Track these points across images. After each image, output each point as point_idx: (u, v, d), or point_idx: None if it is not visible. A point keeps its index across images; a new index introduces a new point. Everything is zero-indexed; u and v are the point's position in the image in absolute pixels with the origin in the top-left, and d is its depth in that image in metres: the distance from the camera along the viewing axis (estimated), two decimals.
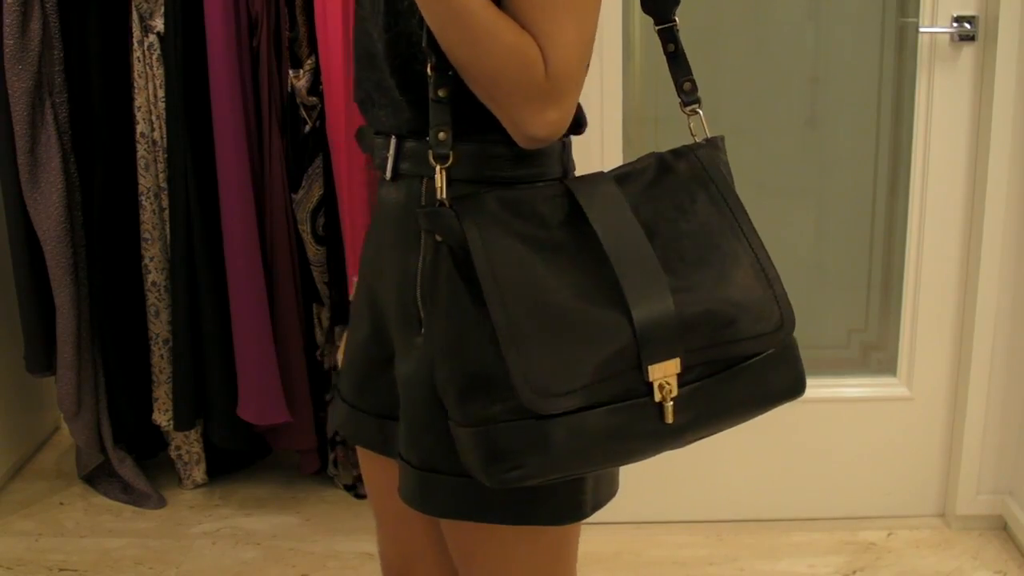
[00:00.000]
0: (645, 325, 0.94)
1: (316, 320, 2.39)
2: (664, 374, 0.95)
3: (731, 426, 1.03)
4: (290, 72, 2.25)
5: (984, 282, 2.17)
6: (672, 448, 1.01)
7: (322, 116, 2.25)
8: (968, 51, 2.12)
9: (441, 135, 0.98)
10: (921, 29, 2.12)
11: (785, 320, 1.02)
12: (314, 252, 2.33)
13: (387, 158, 1.08)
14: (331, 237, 2.33)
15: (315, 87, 2.24)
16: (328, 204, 2.31)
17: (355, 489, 2.49)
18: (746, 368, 1.00)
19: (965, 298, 2.22)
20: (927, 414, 2.30)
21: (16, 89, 2.18)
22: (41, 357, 2.38)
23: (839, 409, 2.31)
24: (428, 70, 0.97)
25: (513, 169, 1.02)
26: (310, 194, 2.30)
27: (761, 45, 2.27)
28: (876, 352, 2.36)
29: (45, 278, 2.30)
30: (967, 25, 2.10)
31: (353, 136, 2.30)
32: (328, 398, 2.43)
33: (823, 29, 2.28)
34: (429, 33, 0.95)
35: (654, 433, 0.97)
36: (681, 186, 1.03)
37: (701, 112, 1.10)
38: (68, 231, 2.27)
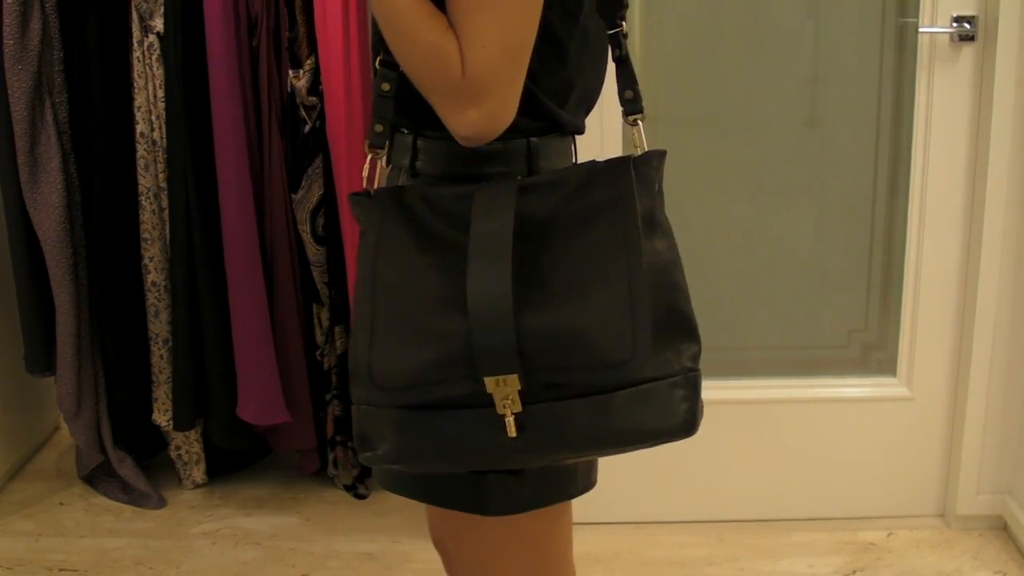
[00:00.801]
0: (479, 336, 0.92)
1: (316, 320, 2.39)
2: (504, 388, 0.93)
3: (601, 453, 1.00)
4: (290, 72, 2.25)
5: (984, 282, 2.17)
6: (532, 464, 1.00)
7: (322, 116, 2.25)
8: (968, 51, 2.12)
9: (378, 127, 1.03)
10: (921, 29, 2.12)
11: (636, 358, 0.93)
12: (314, 252, 2.34)
13: (386, 147, 1.11)
14: (331, 237, 2.33)
15: (315, 87, 2.24)
16: (328, 204, 2.31)
17: (355, 489, 2.49)
18: (605, 398, 0.95)
19: (965, 298, 2.22)
20: (927, 414, 2.30)
21: (16, 89, 2.18)
22: (41, 357, 2.38)
23: (839, 409, 2.31)
24: (376, 64, 1.01)
25: (476, 166, 1.03)
26: (310, 194, 2.30)
27: (761, 45, 2.27)
28: (876, 352, 2.36)
29: (45, 278, 2.30)
30: (967, 25, 2.10)
31: (353, 136, 2.32)
32: (328, 398, 2.43)
33: (823, 29, 2.28)
34: (377, 29, 0.99)
35: (499, 444, 0.95)
36: (592, 201, 0.99)
37: (642, 124, 1.08)
38: (68, 231, 2.27)
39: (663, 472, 2.33)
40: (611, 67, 1.14)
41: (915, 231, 2.22)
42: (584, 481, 1.13)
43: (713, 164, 2.29)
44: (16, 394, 2.64)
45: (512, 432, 0.94)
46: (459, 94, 0.94)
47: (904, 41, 2.21)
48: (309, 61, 2.24)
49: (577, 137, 1.15)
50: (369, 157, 1.03)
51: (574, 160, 1.12)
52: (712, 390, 2.29)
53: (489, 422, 0.95)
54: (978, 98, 2.13)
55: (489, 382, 0.93)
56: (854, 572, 2.17)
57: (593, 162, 1.03)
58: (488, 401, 0.94)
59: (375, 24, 1.05)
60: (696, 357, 1.00)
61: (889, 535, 2.29)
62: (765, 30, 2.27)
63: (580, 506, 2.45)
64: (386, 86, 1.01)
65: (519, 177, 1.02)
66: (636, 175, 0.99)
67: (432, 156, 1.04)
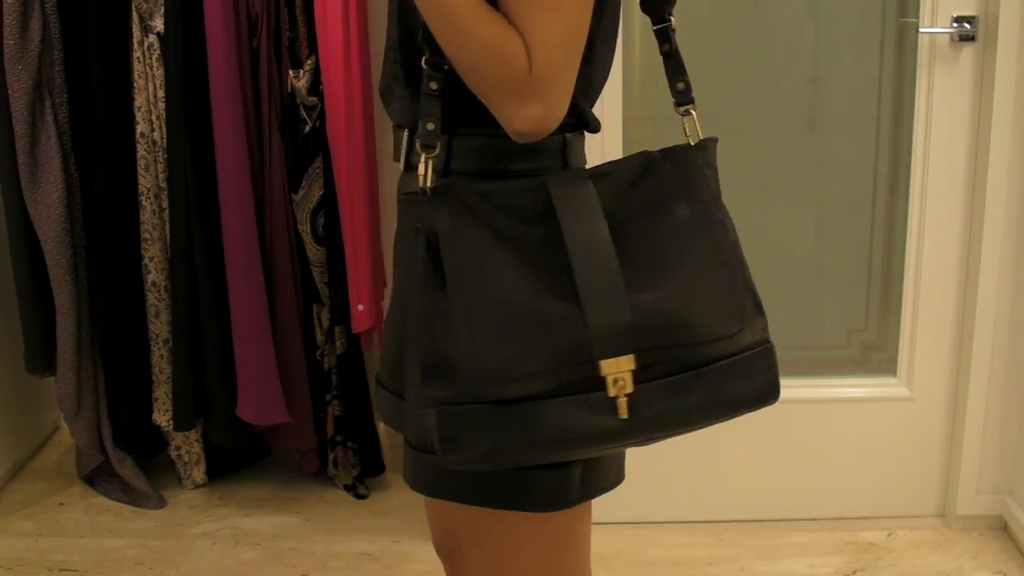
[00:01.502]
0: (597, 321, 0.95)
1: (316, 320, 2.39)
2: (617, 369, 0.95)
3: (697, 428, 1.03)
4: (290, 72, 2.25)
5: (984, 282, 2.17)
6: (631, 445, 1.01)
7: (322, 116, 2.25)
8: (968, 51, 2.12)
9: (429, 126, 1.00)
10: (921, 29, 2.12)
11: (745, 328, 1.00)
12: (314, 252, 2.34)
13: (401, 150, 1.12)
14: (331, 237, 2.33)
15: (315, 87, 2.24)
16: (328, 204, 2.31)
17: (355, 489, 2.49)
18: (709, 372, 0.99)
19: (965, 298, 2.23)
20: (927, 414, 2.30)
21: (16, 89, 2.18)
22: (41, 357, 2.38)
23: (839, 409, 2.31)
24: (423, 63, 1.00)
25: (512, 162, 1.04)
26: (310, 194, 2.30)
27: (761, 45, 2.27)
28: (876, 352, 2.36)
29: (45, 278, 2.30)
30: (967, 25, 2.10)
31: (353, 136, 2.32)
32: (328, 398, 2.43)
33: (823, 29, 2.28)
34: (425, 27, 0.98)
35: (608, 428, 0.97)
36: (661, 187, 1.03)
37: (695, 113, 1.10)
38: (68, 231, 2.27)
39: (663, 472, 2.33)
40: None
41: (915, 231, 2.22)
42: (618, 473, 1.14)
43: None
44: (16, 394, 2.64)
45: (624, 414, 0.96)
46: (524, 90, 0.94)
47: (904, 41, 2.21)
48: (309, 61, 2.24)
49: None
50: (423, 157, 1.01)
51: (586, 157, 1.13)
52: None
53: (597, 407, 0.96)
54: (978, 98, 2.13)
55: (605, 364, 0.95)
56: (854, 572, 2.17)
57: (646, 152, 1.05)
58: (597, 385, 0.96)
59: (403, 23, 1.04)
60: (767, 327, 1.05)
61: (889, 535, 2.29)
62: (765, 30, 2.27)
63: None
64: (434, 85, 1.01)
65: (586, 170, 1.04)
66: (701, 159, 1.05)
67: (467, 153, 1.05)
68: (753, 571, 2.18)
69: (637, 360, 0.96)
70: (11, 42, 2.15)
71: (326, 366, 2.40)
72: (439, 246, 0.98)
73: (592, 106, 1.15)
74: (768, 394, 1.03)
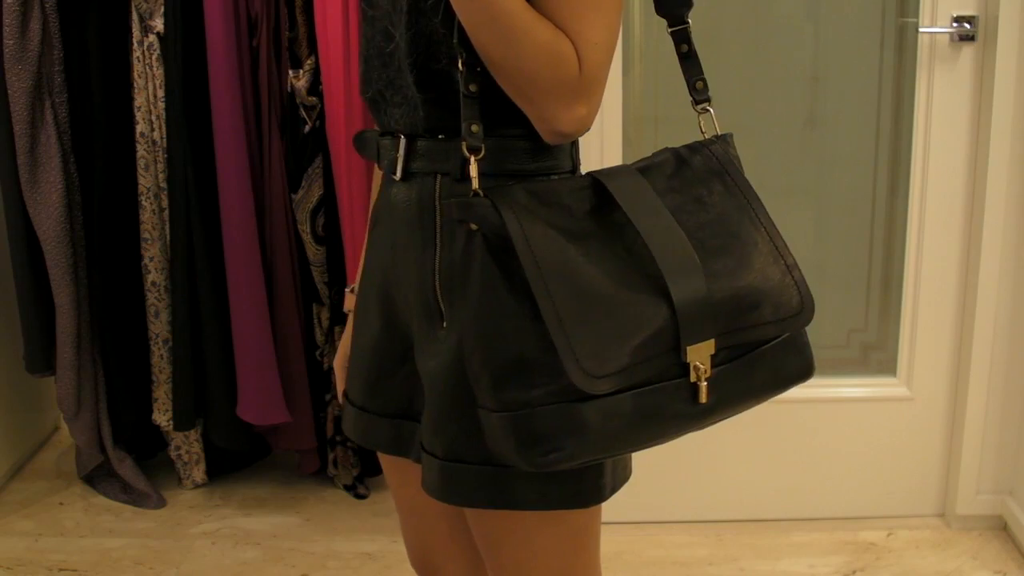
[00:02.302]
0: (684, 306, 0.97)
1: (316, 320, 2.39)
2: (700, 355, 0.98)
3: (748, 408, 1.07)
4: (290, 72, 2.25)
5: (984, 282, 2.17)
6: (695, 430, 1.04)
7: (322, 116, 2.25)
8: (968, 51, 2.12)
9: (474, 128, 1.00)
10: (921, 29, 2.12)
11: (805, 305, 1.05)
12: (314, 252, 2.34)
13: (397, 158, 1.09)
14: (331, 237, 2.33)
15: (315, 87, 2.24)
16: (328, 204, 2.31)
17: (355, 489, 2.49)
18: (765, 352, 1.04)
19: (965, 298, 2.22)
20: (927, 414, 2.30)
21: (16, 89, 2.18)
22: (41, 357, 2.38)
23: (839, 409, 2.31)
24: (460, 66, 0.99)
25: (531, 162, 1.05)
26: (310, 194, 2.30)
27: (761, 45, 2.27)
28: (876, 352, 2.36)
29: (45, 278, 2.30)
30: (967, 25, 2.10)
31: (353, 136, 2.30)
32: (328, 398, 2.43)
33: (823, 29, 2.28)
34: (461, 30, 0.97)
35: (684, 414, 1.00)
36: (698, 178, 1.06)
37: (712, 110, 1.13)
38: (68, 231, 2.27)
39: (663, 472, 2.33)
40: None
41: (915, 231, 2.22)
42: (629, 466, 1.17)
43: None
44: (16, 394, 2.64)
45: (704, 398, 0.99)
46: (574, 91, 0.96)
47: (904, 41, 2.21)
48: (309, 61, 2.25)
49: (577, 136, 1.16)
50: (473, 159, 1.00)
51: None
52: None
53: (680, 393, 0.99)
54: (978, 98, 2.13)
55: (691, 351, 0.97)
56: (854, 572, 2.17)
57: (672, 148, 1.09)
58: (678, 373, 0.98)
59: (414, 27, 1.02)
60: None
61: (889, 535, 2.29)
62: (765, 30, 2.27)
63: None
64: (474, 87, 1.00)
65: (632, 166, 1.06)
66: (732, 150, 1.09)
67: (492, 154, 1.03)
68: (753, 571, 2.18)
69: (716, 344, 0.99)
70: (11, 42, 2.15)
71: (326, 366, 2.40)
72: (503, 248, 0.97)
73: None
74: (810, 367, 1.08)
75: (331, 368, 2.41)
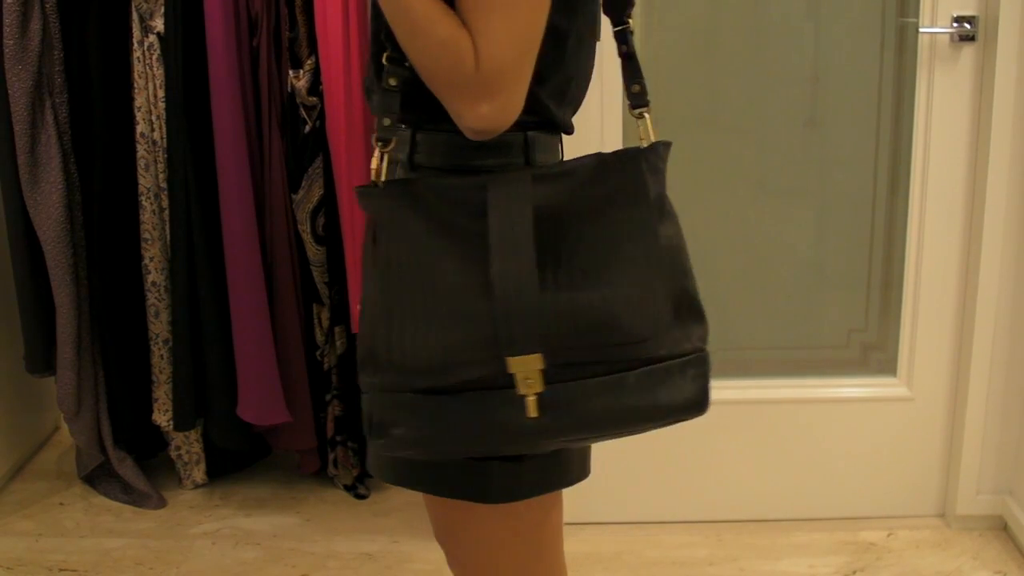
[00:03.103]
0: (505, 315, 0.95)
1: (316, 320, 2.39)
2: (525, 368, 0.96)
3: (624, 432, 1.03)
4: (290, 72, 2.25)
5: (984, 282, 2.17)
6: (553, 444, 1.02)
7: (322, 116, 2.25)
8: (968, 51, 2.12)
9: (386, 121, 1.04)
10: (921, 29, 2.12)
11: (658, 332, 0.98)
12: (314, 252, 2.33)
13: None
14: (331, 237, 2.33)
15: (315, 87, 2.24)
16: (328, 204, 2.31)
17: (355, 489, 2.49)
18: (629, 376, 0.99)
19: (965, 298, 2.22)
20: (927, 414, 2.30)
21: (16, 89, 2.18)
22: (41, 357, 2.38)
23: (839, 409, 2.31)
24: (383, 60, 1.03)
25: (474, 159, 1.05)
26: (310, 194, 2.30)
27: (761, 45, 2.27)
28: (876, 352, 2.36)
29: (45, 278, 2.30)
30: (967, 25, 2.10)
31: (353, 136, 2.31)
32: (328, 398, 2.43)
33: (823, 29, 2.28)
34: (388, 25, 1.00)
35: (518, 426, 0.98)
36: (607, 189, 1.03)
37: (648, 116, 1.11)
38: (68, 231, 2.27)
39: (663, 472, 2.33)
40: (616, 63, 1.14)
41: (915, 231, 2.22)
42: (580, 470, 1.15)
43: (713, 164, 2.28)
44: (16, 394, 2.64)
45: (532, 412, 0.96)
46: (472, 89, 0.96)
47: (904, 41, 2.21)
48: (309, 61, 2.24)
49: (578, 135, 1.15)
50: (377, 150, 1.05)
51: (561, 159, 1.13)
52: (713, 390, 2.31)
53: (508, 404, 0.97)
54: (978, 98, 2.13)
55: (512, 362, 0.95)
56: (854, 572, 2.17)
57: (600, 153, 1.05)
58: (508, 382, 0.96)
59: (377, 21, 1.06)
60: (704, 338, 1.04)
61: (889, 535, 2.29)
62: (765, 30, 2.27)
63: (580, 506, 2.46)
64: (393, 81, 1.03)
65: (533, 169, 1.04)
66: (646, 164, 1.03)
67: (432, 149, 1.07)
68: (753, 571, 2.18)
69: (546, 360, 0.96)
70: (11, 42, 2.15)
71: (326, 366, 2.40)
72: (376, 238, 1.02)
73: (574, 110, 1.15)
74: (694, 404, 1.02)
75: (331, 368, 2.41)
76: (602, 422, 0.99)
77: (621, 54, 1.11)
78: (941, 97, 2.14)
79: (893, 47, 2.23)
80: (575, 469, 1.13)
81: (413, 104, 1.04)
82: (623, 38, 1.10)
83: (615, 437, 1.05)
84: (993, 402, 2.23)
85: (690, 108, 2.29)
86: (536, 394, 0.96)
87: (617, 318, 0.97)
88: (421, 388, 0.98)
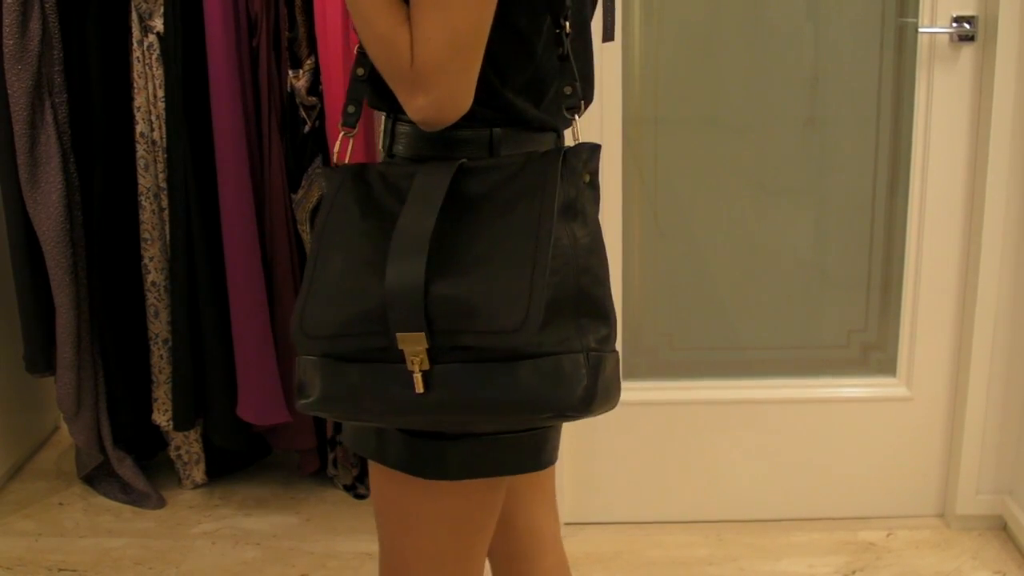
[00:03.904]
0: (392, 292, 1.00)
1: None
2: (413, 346, 1.00)
3: (510, 422, 1.06)
4: (290, 72, 2.25)
5: (984, 282, 2.17)
6: (436, 423, 1.07)
7: (322, 116, 2.25)
8: (968, 51, 2.12)
9: (350, 108, 1.12)
10: (921, 29, 2.12)
11: (527, 324, 0.99)
12: None
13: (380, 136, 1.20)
14: None
15: (315, 87, 2.24)
16: None
17: (355, 489, 2.49)
18: (508, 365, 1.01)
19: (965, 298, 2.22)
20: (927, 414, 2.30)
21: (16, 89, 2.18)
22: (41, 357, 2.38)
23: (839, 409, 2.31)
24: (355, 50, 1.10)
25: (443, 151, 1.09)
26: (310, 194, 2.30)
27: (761, 45, 2.27)
28: (876, 352, 2.36)
29: (45, 278, 2.30)
30: (967, 25, 2.10)
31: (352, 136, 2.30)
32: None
33: (823, 29, 2.28)
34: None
35: (407, 400, 1.02)
36: (519, 186, 1.05)
37: (578, 119, 1.12)
38: (68, 231, 2.27)
39: (663, 472, 2.33)
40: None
41: (915, 231, 2.22)
42: (526, 459, 1.14)
43: (713, 164, 2.28)
44: (16, 394, 2.64)
45: (419, 388, 1.01)
46: (408, 82, 1.01)
47: (904, 41, 2.21)
48: (309, 61, 2.24)
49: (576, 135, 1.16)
50: (341, 135, 1.11)
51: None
52: (712, 390, 2.32)
53: (399, 377, 1.02)
54: (978, 98, 2.13)
55: (400, 338, 1.00)
56: (854, 572, 2.17)
57: (534, 152, 1.09)
58: (400, 358, 1.01)
59: None
60: (604, 340, 1.05)
61: (889, 535, 2.29)
62: (765, 30, 2.27)
63: (580, 506, 2.46)
64: (360, 71, 1.11)
65: (465, 160, 1.08)
66: (564, 166, 1.05)
67: (406, 139, 1.12)
68: (753, 571, 2.18)
69: (429, 339, 1.00)
70: (11, 42, 2.15)
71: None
72: None
73: (572, 106, 1.14)
74: (578, 403, 1.02)
75: None
76: (484, 406, 1.02)
77: (557, 56, 1.12)
78: (941, 97, 2.14)
79: (893, 47, 2.23)
80: (518, 458, 1.14)
81: (388, 95, 1.08)
82: (558, 40, 1.12)
83: (505, 425, 1.08)
84: (993, 402, 2.23)
85: (690, 108, 2.29)
86: (422, 371, 1.01)
87: (488, 307, 1.00)
88: (324, 353, 1.06)
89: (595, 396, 1.03)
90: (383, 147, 1.16)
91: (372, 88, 1.12)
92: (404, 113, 1.07)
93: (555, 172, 1.04)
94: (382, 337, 1.01)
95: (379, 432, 1.13)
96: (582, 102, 1.12)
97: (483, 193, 1.05)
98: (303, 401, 1.09)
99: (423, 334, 1.00)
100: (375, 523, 1.23)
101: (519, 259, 1.01)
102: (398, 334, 1.00)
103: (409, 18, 1.00)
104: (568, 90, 1.11)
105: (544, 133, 1.14)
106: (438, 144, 1.09)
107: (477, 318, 1.00)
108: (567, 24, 1.10)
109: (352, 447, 1.20)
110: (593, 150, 1.08)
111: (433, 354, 1.01)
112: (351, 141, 1.12)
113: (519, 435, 1.11)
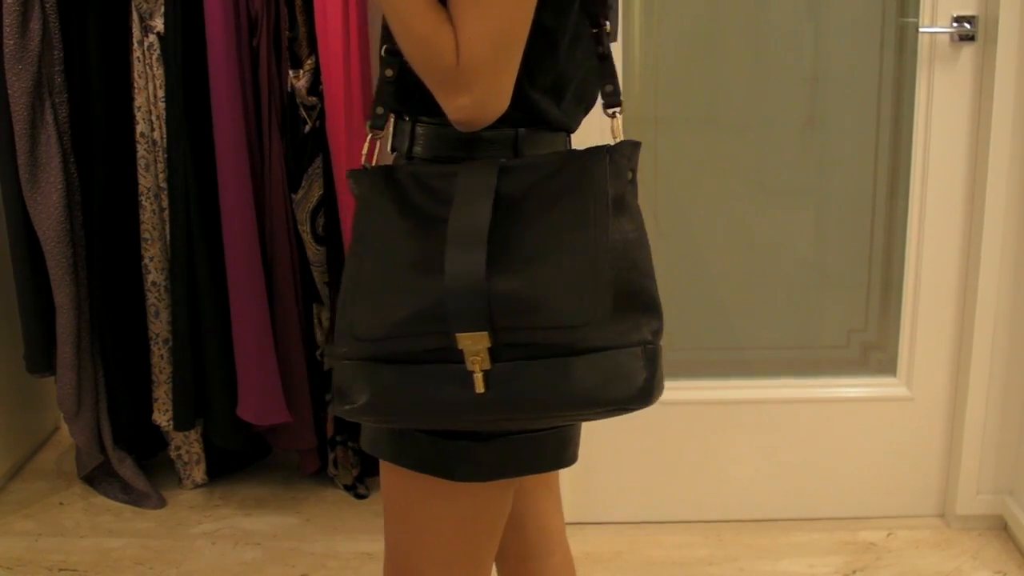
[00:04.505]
0: (452, 292, 0.99)
1: (316, 320, 2.39)
2: (474, 345, 0.99)
3: (566, 418, 1.05)
4: (290, 72, 2.25)
5: (984, 282, 2.17)
6: (495, 422, 1.05)
7: (322, 116, 2.25)
8: (968, 51, 2.12)
9: (379, 109, 1.11)
10: (921, 29, 2.12)
11: (593, 319, 0.99)
12: (314, 252, 2.34)
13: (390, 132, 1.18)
14: (331, 237, 2.33)
15: (315, 87, 2.24)
16: (328, 204, 2.31)
17: (355, 489, 2.49)
18: (569, 361, 1.00)
19: (965, 298, 2.23)
20: (927, 414, 2.30)
21: (16, 89, 2.18)
22: (41, 357, 2.38)
23: (839, 409, 2.31)
24: (381, 52, 1.09)
25: (466, 151, 1.08)
26: (310, 194, 2.31)
27: (761, 45, 2.27)
28: (876, 352, 2.36)
29: (45, 278, 2.30)
30: (967, 25, 2.10)
31: (353, 136, 2.31)
32: (328, 398, 2.43)
33: (823, 29, 2.28)
34: (385, 19, 1.05)
35: (464, 400, 1.01)
36: (565, 181, 1.05)
37: (620, 117, 1.13)
38: (68, 231, 2.27)
39: (663, 472, 2.33)
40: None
41: (915, 231, 2.22)
42: (556, 456, 1.15)
43: (713, 164, 2.29)
44: (16, 394, 2.64)
45: (480, 388, 1.00)
46: (451, 82, 1.00)
47: (904, 41, 2.21)
48: (309, 61, 2.25)
49: (583, 136, 1.16)
50: (369, 137, 1.10)
51: None
52: (712, 390, 2.32)
53: (457, 377, 1.00)
54: (978, 98, 2.13)
55: (461, 338, 0.99)
56: (854, 572, 2.17)
57: (572, 150, 1.09)
58: (458, 357, 1.00)
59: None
60: (657, 333, 1.05)
61: (889, 535, 2.29)
62: (765, 30, 2.27)
63: (580, 506, 2.46)
64: (390, 72, 1.09)
65: (503, 160, 1.07)
66: (609, 161, 1.05)
67: (427, 141, 1.11)
68: (753, 571, 2.18)
69: (492, 338, 0.99)
70: (11, 42, 2.15)
71: (326, 366, 2.40)
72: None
73: (586, 109, 1.16)
74: (637, 396, 1.02)
75: (331, 368, 2.40)
76: (544, 403, 1.01)
77: (598, 55, 1.13)
78: (941, 97, 2.14)
79: (893, 47, 2.23)
80: (549, 456, 1.14)
81: (411, 97, 1.08)
82: (599, 39, 1.13)
83: (561, 421, 1.08)
84: (993, 402, 2.23)
85: (690, 108, 2.29)
86: (484, 371, 0.99)
87: (546, 302, 0.99)
88: (373, 356, 1.03)
89: (654, 387, 1.03)
90: (400, 149, 1.14)
91: (395, 89, 1.11)
92: (425, 115, 1.07)
93: (603, 169, 1.04)
94: (439, 337, 1.00)
95: (397, 434, 1.11)
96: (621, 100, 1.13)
97: (523, 191, 1.04)
98: (347, 407, 1.06)
99: (486, 333, 0.98)
100: (383, 524, 1.22)
101: (576, 253, 1.01)
102: (458, 334, 0.98)
103: (450, 19, 0.99)
104: (609, 88, 1.12)
105: (559, 133, 1.14)
106: (462, 145, 1.08)
107: (540, 314, 0.99)
108: (607, 23, 1.11)
109: (369, 450, 1.18)
110: (635, 147, 1.09)
111: (493, 352, 0.99)
112: (379, 143, 1.11)
113: (546, 433, 1.11)
